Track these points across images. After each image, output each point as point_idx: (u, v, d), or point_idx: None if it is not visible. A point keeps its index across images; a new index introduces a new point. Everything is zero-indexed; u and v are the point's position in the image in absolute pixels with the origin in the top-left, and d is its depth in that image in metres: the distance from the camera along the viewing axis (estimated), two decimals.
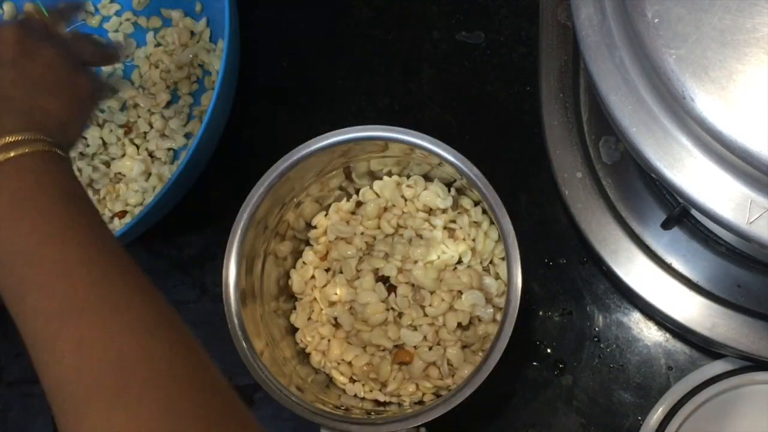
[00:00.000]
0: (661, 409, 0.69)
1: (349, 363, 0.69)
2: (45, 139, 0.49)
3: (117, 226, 0.76)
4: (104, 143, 0.79)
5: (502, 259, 0.69)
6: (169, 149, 0.79)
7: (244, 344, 0.64)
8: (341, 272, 0.70)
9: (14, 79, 0.52)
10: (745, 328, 0.64)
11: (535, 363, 0.72)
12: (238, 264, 0.65)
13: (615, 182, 0.68)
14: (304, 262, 0.72)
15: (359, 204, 0.72)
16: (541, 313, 0.73)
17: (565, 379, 0.72)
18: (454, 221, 0.70)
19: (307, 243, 0.73)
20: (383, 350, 0.68)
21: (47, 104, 0.52)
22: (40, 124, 0.50)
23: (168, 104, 0.80)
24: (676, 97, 0.46)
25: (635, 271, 0.66)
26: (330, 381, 0.70)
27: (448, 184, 0.71)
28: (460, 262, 0.69)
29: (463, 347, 0.68)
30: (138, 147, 0.79)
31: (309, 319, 0.71)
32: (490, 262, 0.69)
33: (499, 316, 0.67)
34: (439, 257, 0.68)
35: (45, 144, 0.49)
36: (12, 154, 0.47)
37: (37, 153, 0.48)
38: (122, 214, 0.76)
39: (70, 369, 0.43)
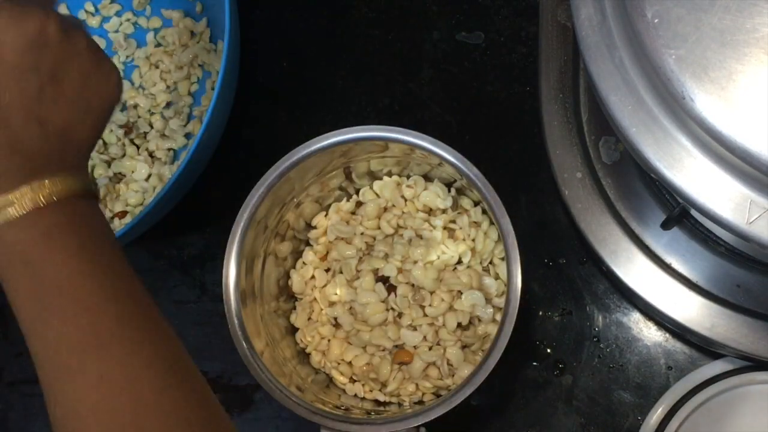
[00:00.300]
0: (660, 409, 0.69)
1: (349, 363, 0.69)
2: (75, 178, 0.47)
3: (117, 226, 0.76)
4: (104, 143, 0.79)
5: (502, 259, 0.69)
6: (169, 149, 0.79)
7: (244, 344, 0.64)
8: (341, 272, 0.70)
9: (52, 97, 0.46)
10: (745, 328, 0.64)
11: (535, 363, 0.72)
12: (238, 264, 0.65)
13: (615, 182, 0.68)
14: (304, 262, 0.72)
15: (359, 204, 0.72)
16: (540, 313, 0.73)
17: (565, 379, 0.72)
18: (454, 221, 0.70)
19: (307, 243, 0.73)
20: (383, 350, 0.68)
21: (78, 126, 0.48)
22: (70, 156, 0.48)
23: (168, 104, 0.80)
24: (676, 97, 0.46)
25: (635, 271, 0.66)
26: (330, 381, 0.70)
27: (448, 185, 0.71)
28: (460, 262, 0.69)
29: (463, 347, 0.68)
30: (138, 147, 0.79)
31: (309, 319, 0.71)
32: (490, 262, 0.69)
33: (498, 316, 0.67)
34: (438, 257, 0.68)
35: (75, 182, 0.47)
36: (47, 193, 0.45)
37: (70, 192, 0.46)
38: (122, 214, 0.77)
39: (88, 404, 0.43)
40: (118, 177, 0.79)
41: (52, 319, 0.44)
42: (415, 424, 0.62)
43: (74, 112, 0.47)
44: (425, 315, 0.67)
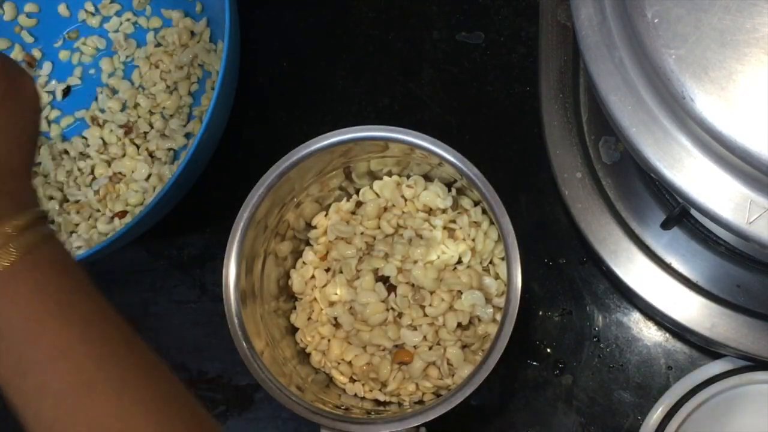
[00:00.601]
0: (660, 408, 0.69)
1: (349, 363, 0.69)
2: (23, 212, 0.44)
3: (117, 226, 0.76)
4: (104, 143, 0.79)
5: (502, 259, 0.69)
6: (169, 149, 0.79)
7: (244, 344, 0.64)
8: (341, 272, 0.70)
9: None
10: (745, 328, 0.64)
11: (535, 363, 0.72)
12: (238, 264, 0.65)
13: (615, 182, 0.68)
14: (304, 262, 0.72)
15: (359, 204, 0.72)
16: (540, 313, 0.73)
17: (565, 379, 0.72)
18: (454, 221, 0.70)
19: (307, 243, 0.73)
20: (383, 350, 0.68)
21: (6, 153, 0.45)
22: (6, 181, 0.44)
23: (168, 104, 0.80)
24: (676, 97, 0.46)
25: (635, 271, 0.66)
26: (330, 381, 0.70)
27: (448, 184, 0.71)
28: (460, 262, 0.69)
29: (463, 347, 0.68)
30: (138, 147, 0.79)
31: (309, 319, 0.71)
32: (490, 262, 0.69)
33: (498, 316, 0.67)
34: (439, 257, 0.68)
35: (25, 217, 0.44)
36: None
37: (23, 229, 0.43)
38: (122, 214, 0.77)
39: None
40: (118, 177, 0.78)
41: (28, 369, 0.42)
42: (415, 424, 0.62)
43: None
44: (425, 315, 0.67)
